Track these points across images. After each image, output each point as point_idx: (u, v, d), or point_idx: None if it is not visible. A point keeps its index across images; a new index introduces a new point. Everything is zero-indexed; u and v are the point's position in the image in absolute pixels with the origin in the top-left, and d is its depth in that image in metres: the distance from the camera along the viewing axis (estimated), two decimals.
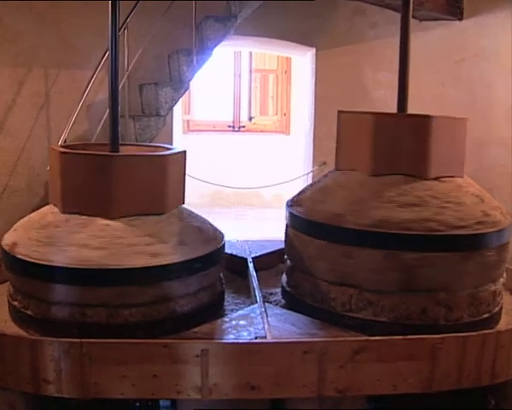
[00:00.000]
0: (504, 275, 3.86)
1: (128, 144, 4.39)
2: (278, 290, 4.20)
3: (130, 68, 5.67)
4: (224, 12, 6.09)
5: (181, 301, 3.56)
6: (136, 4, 5.51)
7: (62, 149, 3.67)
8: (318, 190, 4.00)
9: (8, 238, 3.69)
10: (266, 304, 3.87)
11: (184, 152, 3.89)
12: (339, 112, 4.03)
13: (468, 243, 3.52)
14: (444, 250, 3.48)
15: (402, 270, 3.48)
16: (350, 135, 3.95)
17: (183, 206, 3.96)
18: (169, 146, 4.22)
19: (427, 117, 3.74)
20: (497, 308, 3.78)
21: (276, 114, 10.08)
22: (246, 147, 9.77)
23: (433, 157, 3.71)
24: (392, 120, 3.88)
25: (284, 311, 3.81)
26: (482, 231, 3.55)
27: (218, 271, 3.89)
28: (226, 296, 4.10)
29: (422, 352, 3.27)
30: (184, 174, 3.92)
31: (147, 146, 4.37)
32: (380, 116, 3.89)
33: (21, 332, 3.52)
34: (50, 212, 3.72)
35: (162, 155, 3.77)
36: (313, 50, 7.15)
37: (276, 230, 4.61)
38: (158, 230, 3.58)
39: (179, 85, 6.03)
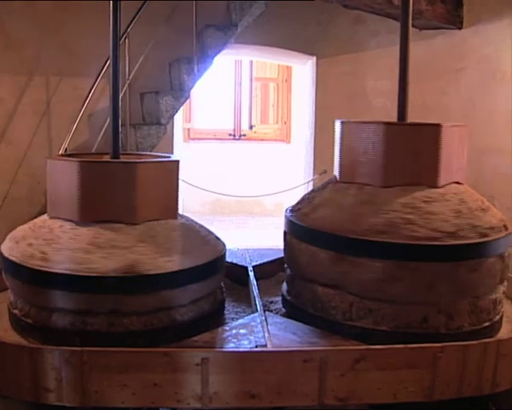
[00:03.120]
0: (505, 283, 3.86)
1: (129, 153, 4.41)
2: (279, 299, 4.20)
3: (131, 77, 5.69)
4: (225, 20, 6.11)
5: (181, 310, 3.56)
6: (137, 12, 5.53)
7: (80, 160, 3.66)
8: (318, 199, 4.00)
9: (8, 245, 3.69)
10: (267, 313, 3.86)
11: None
12: (342, 122, 3.98)
13: (469, 252, 3.51)
14: (444, 259, 3.48)
15: (403, 279, 3.48)
16: (354, 145, 3.90)
17: (185, 214, 3.98)
18: (169, 154, 4.24)
19: (436, 126, 3.74)
20: (497, 317, 3.77)
21: (277, 122, 10.11)
22: (246, 155, 9.80)
23: (443, 166, 3.72)
24: (402, 130, 3.86)
25: (285, 319, 3.80)
26: (483, 239, 3.55)
27: (219, 279, 3.89)
28: (226, 305, 4.10)
29: (423, 361, 3.26)
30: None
31: (148, 155, 4.38)
32: (390, 126, 3.85)
33: (22, 341, 3.51)
34: (48, 219, 3.72)
35: (174, 161, 3.82)
36: (314, 59, 7.17)
37: (277, 238, 4.61)
38: (159, 237, 3.58)
39: (180, 94, 6.04)
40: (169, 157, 4.02)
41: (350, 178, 3.90)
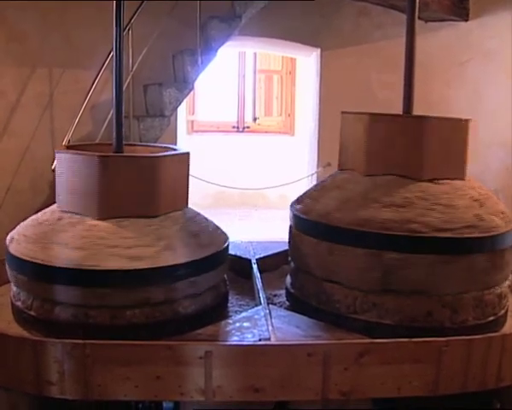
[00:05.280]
0: (510, 277, 3.84)
1: (132, 144, 4.39)
2: (282, 292, 4.19)
3: (134, 69, 5.66)
4: (229, 12, 6.08)
5: (185, 303, 3.55)
6: (140, 4, 5.49)
7: (101, 154, 3.64)
8: (323, 192, 3.98)
9: (13, 238, 3.68)
10: (270, 306, 3.85)
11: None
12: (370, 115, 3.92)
13: (474, 246, 3.49)
14: (449, 253, 3.46)
15: (407, 273, 3.46)
16: (378, 138, 3.87)
17: (189, 206, 3.96)
18: (174, 146, 4.22)
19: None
20: (502, 311, 3.76)
21: (281, 114, 10.07)
22: (250, 148, 9.76)
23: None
24: (432, 123, 3.83)
25: (288, 313, 3.80)
26: (487, 234, 3.53)
27: (222, 272, 3.88)
28: (230, 298, 4.09)
29: (427, 355, 3.25)
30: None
31: (152, 146, 4.36)
32: (420, 119, 3.85)
33: (24, 333, 3.51)
34: (55, 212, 3.71)
35: (186, 153, 3.84)
36: (318, 51, 7.13)
37: (281, 231, 4.59)
38: (162, 231, 3.57)
39: (183, 86, 6.02)
40: (175, 149, 4.02)
41: (358, 172, 3.87)
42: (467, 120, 3.85)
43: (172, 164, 3.74)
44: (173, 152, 3.92)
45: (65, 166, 3.70)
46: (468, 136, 3.85)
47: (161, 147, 4.19)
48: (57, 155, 3.73)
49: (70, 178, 3.67)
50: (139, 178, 3.59)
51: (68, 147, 4.09)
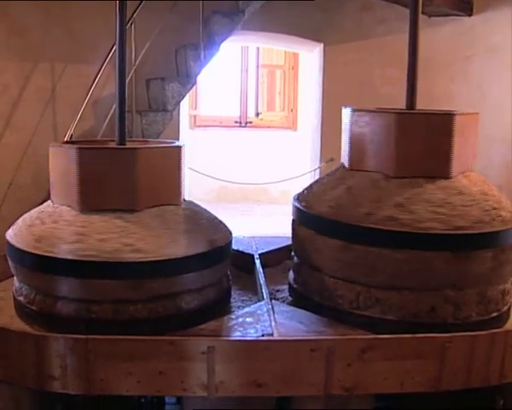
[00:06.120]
0: None
1: (135, 140, 4.38)
2: (285, 287, 4.18)
3: (137, 63, 5.66)
4: (232, 7, 6.06)
5: (187, 298, 3.54)
6: None
7: (79, 146, 3.62)
8: (325, 186, 3.97)
9: (13, 232, 3.68)
10: (273, 301, 3.84)
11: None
12: (352, 110, 3.88)
13: (478, 242, 3.48)
14: (453, 249, 3.44)
15: (411, 268, 3.45)
16: (365, 134, 3.83)
17: (191, 200, 3.95)
18: (175, 141, 4.21)
19: (449, 114, 3.69)
20: (505, 307, 3.74)
21: (283, 109, 10.06)
22: (252, 143, 9.77)
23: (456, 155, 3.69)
24: (415, 118, 3.81)
25: (291, 308, 3.78)
26: (491, 229, 3.51)
27: (225, 267, 3.87)
28: (233, 293, 4.08)
29: (431, 351, 3.24)
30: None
31: (152, 142, 4.35)
32: (402, 115, 3.81)
33: (27, 328, 3.50)
34: (54, 206, 3.70)
35: (176, 147, 3.81)
36: (321, 46, 7.12)
37: (283, 226, 4.58)
38: (164, 224, 3.56)
39: (186, 80, 6.02)
40: (173, 143, 4.01)
41: (360, 167, 3.86)
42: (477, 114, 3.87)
43: (156, 157, 3.69)
44: (156, 145, 3.90)
45: (56, 159, 3.71)
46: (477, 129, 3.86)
47: (161, 142, 4.18)
48: (50, 149, 3.74)
49: (62, 171, 3.67)
50: (121, 169, 3.56)
51: (69, 143, 4.08)
